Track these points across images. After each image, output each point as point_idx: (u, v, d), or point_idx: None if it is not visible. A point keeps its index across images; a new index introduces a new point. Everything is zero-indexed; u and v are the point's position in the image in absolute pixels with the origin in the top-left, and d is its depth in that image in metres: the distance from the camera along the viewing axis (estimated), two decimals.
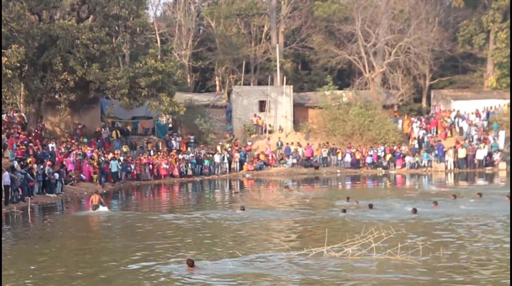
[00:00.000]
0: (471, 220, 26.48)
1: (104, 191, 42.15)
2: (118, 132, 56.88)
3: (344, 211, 28.67)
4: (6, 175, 31.86)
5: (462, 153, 58.17)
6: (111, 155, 48.94)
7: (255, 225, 26.62)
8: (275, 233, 24.95)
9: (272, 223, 27.41)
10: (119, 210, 34.00)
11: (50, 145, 45.70)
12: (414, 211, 27.94)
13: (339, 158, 59.93)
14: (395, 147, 60.38)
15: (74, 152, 45.87)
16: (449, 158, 58.36)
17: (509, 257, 17.54)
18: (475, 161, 58.14)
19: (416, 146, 61.28)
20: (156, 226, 27.26)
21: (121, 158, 50.54)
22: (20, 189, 33.83)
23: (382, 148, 60.35)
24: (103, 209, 32.83)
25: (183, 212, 31.73)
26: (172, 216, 30.27)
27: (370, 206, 30.20)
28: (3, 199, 30.25)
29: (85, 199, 37.05)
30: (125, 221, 29.15)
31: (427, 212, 28.42)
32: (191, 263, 17.33)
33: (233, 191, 44.99)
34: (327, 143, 61.38)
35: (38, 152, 41.65)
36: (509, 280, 15.29)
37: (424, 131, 62.85)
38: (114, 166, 46.76)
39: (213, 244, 21.85)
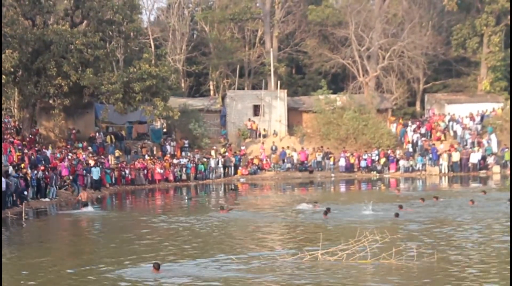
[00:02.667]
0: (449, 223, 26.96)
1: (99, 196, 42.25)
2: (112, 137, 56.79)
3: (326, 213, 28.81)
4: (2, 181, 31.89)
5: (456, 157, 58.28)
6: (92, 161, 47.38)
7: (240, 228, 26.92)
8: (262, 235, 25.07)
9: (258, 226, 27.65)
10: (106, 212, 34.60)
11: (48, 151, 45.54)
12: (397, 215, 28.04)
13: (331, 162, 59.95)
14: (389, 151, 60.44)
15: (70, 156, 45.85)
16: (443, 162, 58.46)
17: (504, 258, 17.62)
18: (469, 165, 58.27)
19: (410, 150, 61.30)
20: (137, 228, 27.67)
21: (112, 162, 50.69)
22: (14, 194, 33.79)
23: (376, 152, 60.44)
24: (88, 209, 33.66)
25: (165, 215, 32.43)
26: (153, 218, 30.93)
27: (328, 209, 30.10)
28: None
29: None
30: (109, 223, 29.96)
31: (405, 215, 28.71)
32: (157, 266, 17.35)
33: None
34: (322, 147, 61.43)
35: (33, 157, 41.62)
36: (510, 281, 15.33)
37: (418, 135, 62.89)
38: (95, 173, 45.14)
39: (198, 246, 22.03)
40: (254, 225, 27.82)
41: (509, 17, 66.85)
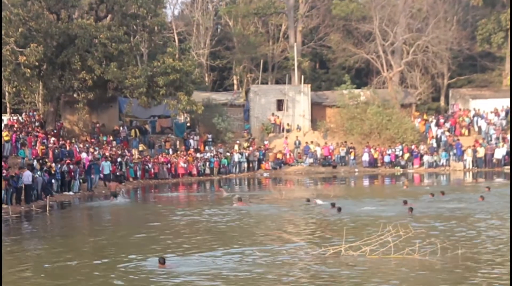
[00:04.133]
0: (464, 218, 27.05)
1: (122, 189, 42.32)
2: (136, 131, 56.93)
3: (340, 210, 28.89)
4: (27, 175, 32.10)
5: (480, 152, 57.93)
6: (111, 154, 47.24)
7: (261, 221, 27.22)
8: (284, 229, 25.14)
9: (273, 219, 27.94)
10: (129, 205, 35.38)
11: (76, 146, 45.65)
12: (411, 210, 28.12)
13: (352, 157, 59.74)
14: (413, 146, 60.18)
15: (94, 150, 46.04)
16: (468, 157, 58.10)
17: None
18: (494, 160, 57.86)
19: (434, 145, 61.02)
20: (158, 220, 28.21)
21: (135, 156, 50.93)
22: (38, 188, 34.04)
23: (400, 147, 60.18)
24: (116, 201, 35.10)
25: (185, 207, 33.13)
26: (174, 210, 31.42)
27: (333, 205, 30.34)
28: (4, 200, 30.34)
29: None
30: (131, 216, 30.76)
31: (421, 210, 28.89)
32: (162, 261, 17.46)
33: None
34: (345, 142, 61.29)
35: (57, 150, 41.83)
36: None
37: (442, 130, 62.57)
38: (106, 168, 43.80)
39: (219, 238, 22.11)
40: (275, 218, 27.93)
41: None
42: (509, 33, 69.46)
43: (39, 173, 34.11)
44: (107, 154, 46.59)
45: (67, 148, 43.86)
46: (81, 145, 46.94)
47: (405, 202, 30.68)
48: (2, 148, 36.04)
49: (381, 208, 30.26)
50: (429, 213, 28.30)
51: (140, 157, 51.24)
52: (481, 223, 25.42)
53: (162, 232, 24.42)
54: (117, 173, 44.96)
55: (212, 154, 56.56)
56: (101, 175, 43.19)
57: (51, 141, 43.79)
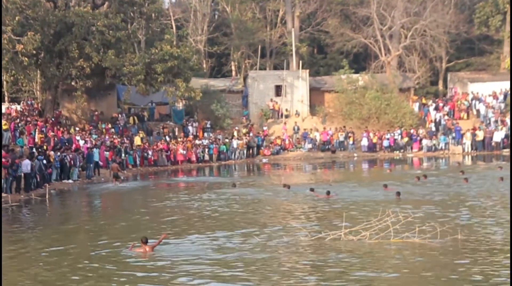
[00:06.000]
0: (457, 201, 27.11)
1: (122, 177, 42.25)
2: (135, 118, 56.90)
3: (328, 193, 29.03)
4: (26, 163, 32.08)
5: (479, 136, 57.95)
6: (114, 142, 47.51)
7: (258, 207, 27.19)
8: (283, 214, 25.30)
9: (268, 204, 28.03)
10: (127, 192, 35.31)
11: (77, 137, 45.53)
12: (398, 194, 28.12)
13: (350, 142, 59.82)
14: (412, 130, 60.19)
15: (90, 139, 46.00)
16: (467, 141, 58.13)
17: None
18: (493, 144, 57.89)
19: (433, 129, 61.02)
20: (156, 205, 28.38)
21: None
22: (38, 176, 34.00)
23: (399, 131, 60.20)
24: (118, 183, 36.48)
25: (182, 193, 33.39)
26: (171, 195, 31.82)
27: (311, 190, 30.73)
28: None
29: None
30: (130, 203, 30.61)
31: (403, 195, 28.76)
32: (145, 240, 17.53)
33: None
34: (344, 127, 61.30)
35: (56, 138, 41.79)
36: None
37: (441, 114, 62.57)
38: (97, 156, 42.91)
39: (219, 221, 22.07)
40: (269, 204, 28.07)
41: None
42: (506, 16, 69.39)
43: (38, 162, 34.08)
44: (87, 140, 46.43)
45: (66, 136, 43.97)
46: (78, 137, 46.65)
47: (385, 186, 30.95)
48: (1, 137, 36.03)
49: (370, 194, 30.29)
50: (418, 197, 28.55)
51: (139, 144, 51.19)
52: (472, 205, 25.62)
53: (160, 216, 24.49)
54: (117, 161, 44.79)
55: (211, 141, 56.54)
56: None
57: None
